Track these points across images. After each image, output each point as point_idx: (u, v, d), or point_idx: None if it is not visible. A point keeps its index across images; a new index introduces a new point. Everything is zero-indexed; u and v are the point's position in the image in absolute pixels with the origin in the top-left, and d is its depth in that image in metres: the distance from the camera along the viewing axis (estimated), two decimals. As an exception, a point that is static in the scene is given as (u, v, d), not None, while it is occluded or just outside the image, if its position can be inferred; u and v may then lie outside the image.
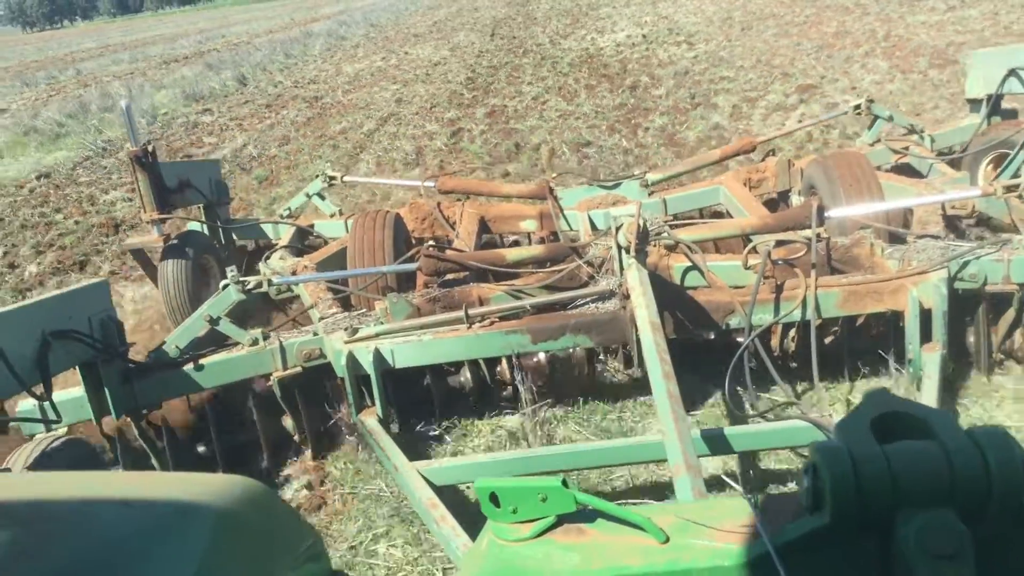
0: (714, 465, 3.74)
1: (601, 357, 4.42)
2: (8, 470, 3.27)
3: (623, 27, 19.61)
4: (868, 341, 4.19)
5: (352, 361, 3.98)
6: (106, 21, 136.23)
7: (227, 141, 13.62)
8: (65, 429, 3.87)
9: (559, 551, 1.17)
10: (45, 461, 3.39)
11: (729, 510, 1.21)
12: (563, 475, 1.19)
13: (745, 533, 1.15)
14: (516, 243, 5.98)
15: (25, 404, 3.75)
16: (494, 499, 1.18)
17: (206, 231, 6.15)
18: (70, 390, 3.99)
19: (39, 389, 3.46)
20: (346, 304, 4.66)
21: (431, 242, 4.65)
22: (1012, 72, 5.47)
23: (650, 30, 18.53)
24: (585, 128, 10.61)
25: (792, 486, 3.53)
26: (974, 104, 6.03)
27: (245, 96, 18.81)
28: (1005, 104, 5.83)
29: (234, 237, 6.50)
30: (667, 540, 1.16)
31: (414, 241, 5.43)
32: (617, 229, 3.98)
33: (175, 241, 5.55)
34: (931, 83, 10.11)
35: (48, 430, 3.71)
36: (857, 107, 6.25)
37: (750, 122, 9.85)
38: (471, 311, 4.06)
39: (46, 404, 3.54)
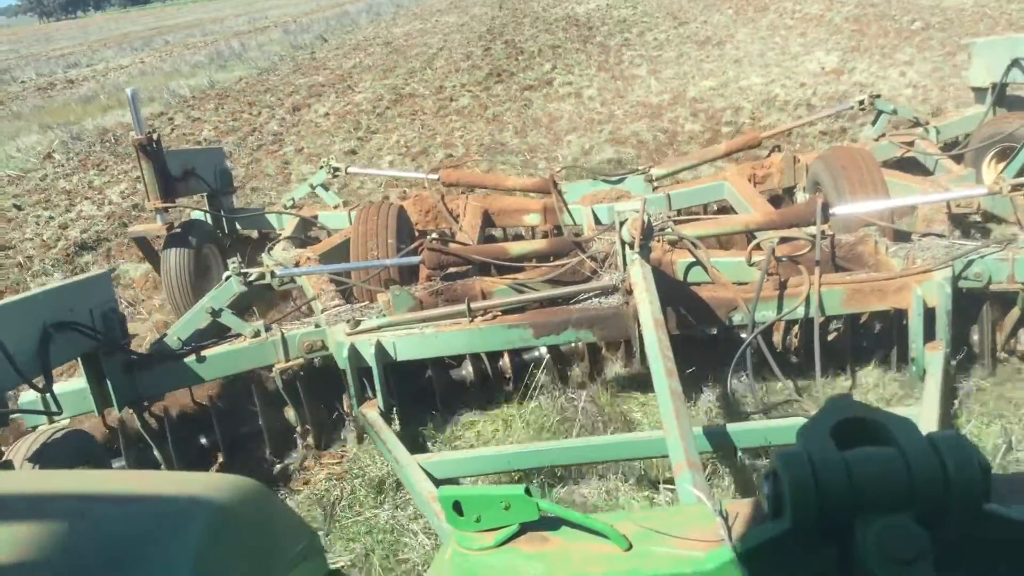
0: (713, 461, 3.73)
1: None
2: (9, 462, 3.29)
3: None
4: (871, 339, 4.17)
5: (354, 353, 3.99)
6: (120, 12, 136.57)
7: (344, 64, 20.68)
8: (67, 421, 3.89)
9: (523, 560, 1.17)
10: (46, 452, 3.41)
11: (692, 517, 1.20)
12: (527, 483, 1.19)
13: (708, 540, 1.15)
14: (519, 237, 5.99)
15: (27, 396, 3.77)
16: (457, 508, 1.17)
17: (209, 220, 6.17)
18: (72, 382, 4.01)
19: (40, 381, 3.48)
20: (348, 296, 4.67)
21: (434, 235, 4.65)
22: (1015, 62, 5.41)
23: (613, 0, 25.80)
24: (558, 42, 18.52)
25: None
26: (978, 93, 5.98)
27: (333, 46, 25.43)
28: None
29: (237, 226, 6.52)
30: (630, 547, 1.16)
31: (417, 234, 5.44)
32: (621, 224, 3.96)
33: (178, 230, 5.56)
34: (749, 19, 18.13)
35: (50, 422, 3.73)
36: (861, 102, 6.21)
37: (644, 38, 17.64)
38: (473, 304, 4.05)
39: (47, 396, 3.56)
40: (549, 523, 1.21)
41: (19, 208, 10.55)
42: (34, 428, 3.75)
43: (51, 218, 9.86)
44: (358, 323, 4.08)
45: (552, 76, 14.30)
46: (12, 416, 3.60)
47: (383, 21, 31.92)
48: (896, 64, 11.37)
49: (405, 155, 10.32)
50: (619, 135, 9.66)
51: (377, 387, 4.00)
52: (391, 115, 13.15)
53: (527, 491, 1.16)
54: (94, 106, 18.93)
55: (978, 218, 5.05)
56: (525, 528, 1.20)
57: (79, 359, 3.87)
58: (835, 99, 9.80)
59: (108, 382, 3.90)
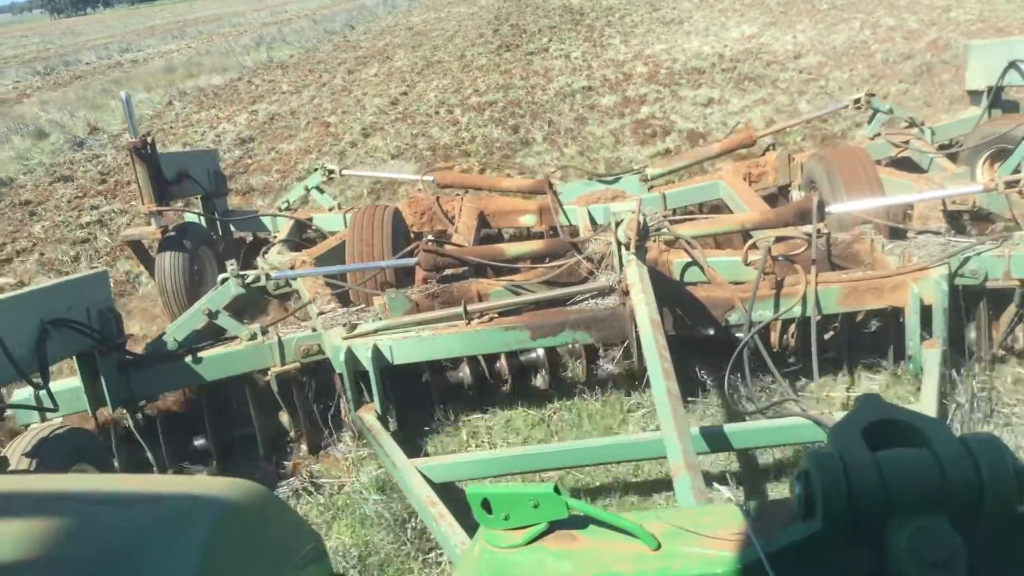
0: (712, 462, 3.72)
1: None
2: (5, 459, 3.26)
3: (589, -9, 31.43)
4: (868, 337, 4.18)
5: (351, 357, 3.96)
6: (128, 8, 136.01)
7: (377, 44, 24.20)
8: (61, 419, 3.86)
9: (551, 558, 1.16)
10: (45, 450, 3.38)
11: (721, 517, 1.20)
12: (555, 481, 1.18)
13: (737, 540, 1.14)
14: (515, 238, 5.97)
15: (20, 393, 3.74)
16: (486, 505, 1.17)
17: (203, 223, 6.13)
18: (67, 380, 3.98)
19: (36, 378, 3.46)
20: (344, 299, 4.64)
21: (430, 237, 4.63)
22: (1012, 64, 5.43)
23: (604, -8, 30.22)
24: (554, 24, 22.56)
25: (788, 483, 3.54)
26: (974, 96, 5.99)
27: (361, 31, 29.23)
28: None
29: (232, 229, 6.48)
30: (659, 547, 1.15)
31: (413, 236, 5.42)
32: (616, 225, 3.96)
33: (173, 233, 5.52)
34: (709, 5, 21.71)
35: (43, 419, 3.70)
36: (856, 101, 6.23)
37: (623, 20, 21.54)
38: (470, 307, 4.04)
39: (42, 393, 3.53)
40: (578, 521, 1.21)
41: (171, 129, 14.76)
42: (26, 426, 3.71)
43: (204, 132, 14.05)
44: (354, 326, 4.06)
45: (548, 46, 18.85)
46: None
47: (400, 12, 36.82)
48: (793, 32, 15.45)
49: (446, 91, 14.67)
50: (592, 76, 13.95)
51: (374, 391, 3.97)
52: (427, 73, 17.44)
53: (556, 489, 1.16)
54: (177, 75, 22.86)
55: (967, 218, 5.07)
56: (553, 526, 1.19)
57: (73, 357, 3.84)
58: (739, 52, 13.87)
59: (103, 381, 3.87)
